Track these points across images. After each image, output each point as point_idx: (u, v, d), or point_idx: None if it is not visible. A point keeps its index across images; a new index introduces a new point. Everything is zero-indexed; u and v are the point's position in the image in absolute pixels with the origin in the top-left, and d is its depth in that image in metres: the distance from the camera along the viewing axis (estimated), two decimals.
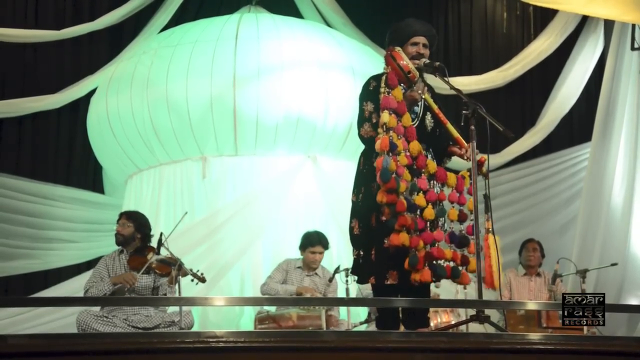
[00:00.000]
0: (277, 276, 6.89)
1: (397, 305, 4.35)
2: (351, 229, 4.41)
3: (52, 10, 9.01)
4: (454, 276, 4.27)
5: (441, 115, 4.42)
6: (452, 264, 4.25)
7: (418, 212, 4.18)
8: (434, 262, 4.17)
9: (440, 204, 4.29)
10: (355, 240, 4.40)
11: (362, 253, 4.34)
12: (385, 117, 4.17)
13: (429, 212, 4.21)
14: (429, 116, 4.46)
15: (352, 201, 4.44)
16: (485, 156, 4.31)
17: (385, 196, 4.13)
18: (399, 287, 4.25)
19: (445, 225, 4.34)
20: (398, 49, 4.35)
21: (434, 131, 4.48)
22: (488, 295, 6.96)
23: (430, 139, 4.46)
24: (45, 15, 8.97)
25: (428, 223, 4.22)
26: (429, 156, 4.40)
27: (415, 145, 4.25)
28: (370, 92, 4.38)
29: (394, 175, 4.10)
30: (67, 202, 8.75)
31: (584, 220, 8.76)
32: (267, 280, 6.88)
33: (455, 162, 4.67)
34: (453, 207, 4.33)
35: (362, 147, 4.51)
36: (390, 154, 4.13)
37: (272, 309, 6.64)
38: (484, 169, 4.33)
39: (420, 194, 4.21)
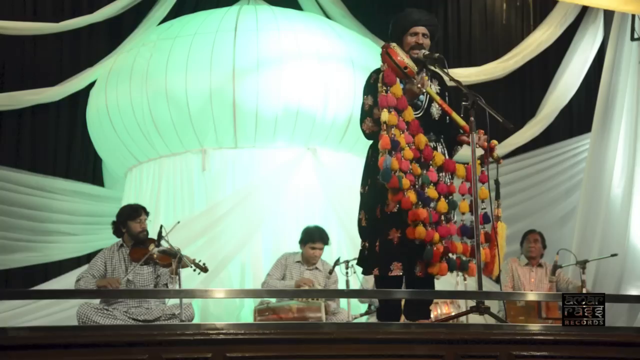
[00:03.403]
0: (275, 273, 6.87)
1: (396, 296, 4.35)
2: (359, 220, 4.42)
3: (51, 2, 8.99)
4: (462, 269, 4.28)
5: (445, 106, 4.38)
6: (463, 257, 4.26)
7: (432, 205, 4.18)
8: (448, 256, 4.18)
9: (451, 197, 4.29)
10: (362, 231, 4.41)
11: (367, 244, 4.35)
12: (385, 115, 4.14)
13: (442, 205, 4.20)
14: (435, 104, 4.43)
15: (360, 193, 4.44)
16: (496, 141, 4.33)
17: (393, 197, 4.13)
18: (404, 279, 4.26)
19: (455, 217, 4.33)
20: (393, 45, 4.27)
21: (443, 119, 4.43)
22: (488, 286, 6.97)
23: (440, 127, 4.43)
24: (44, 7, 8.95)
25: (442, 216, 4.21)
26: (439, 147, 4.40)
27: (422, 138, 4.23)
28: (371, 85, 4.37)
29: (396, 174, 4.09)
30: (67, 194, 8.74)
31: (583, 211, 8.76)
32: (266, 279, 6.86)
33: (462, 153, 4.64)
34: (464, 199, 4.31)
35: (362, 138, 4.50)
36: (393, 152, 4.12)
37: (272, 300, 6.65)
38: (496, 154, 4.34)
39: (432, 186, 4.21)
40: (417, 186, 4.16)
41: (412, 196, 4.11)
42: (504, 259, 4.33)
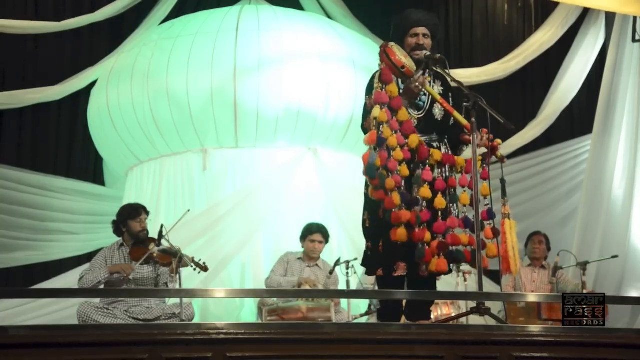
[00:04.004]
0: (279, 270, 6.90)
1: (396, 297, 4.35)
2: (363, 221, 4.42)
3: (52, 1, 9.01)
4: (474, 261, 4.25)
5: (446, 105, 4.37)
6: (470, 248, 4.21)
7: (424, 205, 4.16)
8: (450, 249, 4.15)
9: (451, 191, 4.28)
10: (366, 232, 4.42)
11: (370, 245, 4.35)
12: (376, 111, 4.13)
13: (440, 202, 4.18)
14: (438, 105, 4.41)
15: (364, 194, 4.42)
16: (499, 140, 4.33)
17: (374, 193, 4.13)
18: (407, 279, 4.26)
19: (459, 210, 4.30)
20: (392, 44, 4.25)
21: (446, 120, 4.42)
22: (489, 287, 6.96)
23: (443, 128, 4.42)
24: (46, 6, 8.97)
25: (440, 212, 4.19)
26: (443, 147, 4.38)
27: (414, 138, 4.21)
28: (373, 85, 4.36)
29: (378, 172, 4.08)
30: (68, 193, 8.75)
31: (584, 213, 8.75)
32: (270, 275, 6.91)
33: (465, 153, 4.63)
34: (465, 191, 4.29)
35: (363, 138, 4.49)
36: (378, 149, 4.11)
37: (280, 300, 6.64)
38: (499, 153, 4.34)
39: (426, 185, 4.19)
40: (402, 188, 4.13)
41: (395, 197, 4.09)
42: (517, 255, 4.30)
